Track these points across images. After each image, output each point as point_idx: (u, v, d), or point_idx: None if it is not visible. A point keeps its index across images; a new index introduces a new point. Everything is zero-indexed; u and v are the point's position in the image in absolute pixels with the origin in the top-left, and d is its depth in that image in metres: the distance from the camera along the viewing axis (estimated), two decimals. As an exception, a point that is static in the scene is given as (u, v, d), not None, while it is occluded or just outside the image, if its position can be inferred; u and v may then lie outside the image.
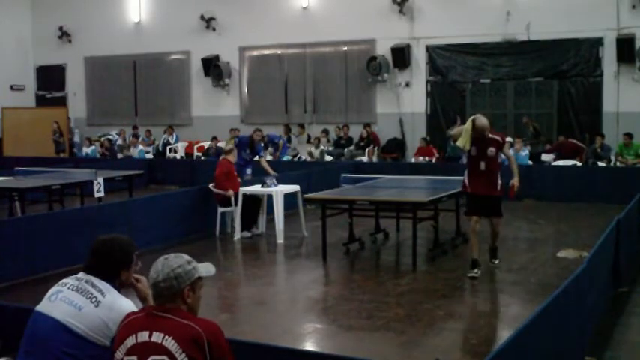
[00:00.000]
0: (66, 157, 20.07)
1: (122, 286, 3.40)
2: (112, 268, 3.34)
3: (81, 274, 3.36)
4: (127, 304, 3.29)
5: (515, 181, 8.02)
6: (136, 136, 20.29)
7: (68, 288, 3.30)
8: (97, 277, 3.32)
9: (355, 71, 18.73)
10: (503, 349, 3.50)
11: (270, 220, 10.50)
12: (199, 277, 3.07)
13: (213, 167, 11.57)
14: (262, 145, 13.20)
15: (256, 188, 10.60)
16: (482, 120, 7.75)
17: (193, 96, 21.00)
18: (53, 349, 3.16)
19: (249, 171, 12.99)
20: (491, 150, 7.83)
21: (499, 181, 7.94)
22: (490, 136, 7.83)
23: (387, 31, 17.91)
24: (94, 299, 3.23)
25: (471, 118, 7.80)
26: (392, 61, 18.02)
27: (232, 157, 11.04)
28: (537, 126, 16.69)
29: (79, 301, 3.23)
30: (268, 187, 10.42)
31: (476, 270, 7.85)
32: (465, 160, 15.74)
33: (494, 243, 8.35)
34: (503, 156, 8.39)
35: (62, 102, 23.20)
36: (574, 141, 15.98)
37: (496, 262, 8.38)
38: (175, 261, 3.03)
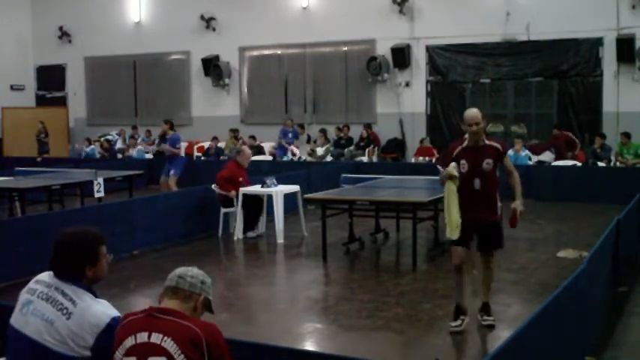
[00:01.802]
0: (66, 157, 20.07)
1: (93, 282, 3.26)
2: (75, 266, 3.19)
3: (49, 278, 3.23)
4: (102, 308, 3.17)
5: (517, 205, 6.07)
6: (133, 137, 20.28)
7: (38, 297, 3.18)
8: (65, 282, 3.18)
9: (355, 71, 18.72)
10: (504, 349, 3.50)
11: (271, 221, 10.49)
12: (210, 301, 3.14)
13: (213, 167, 11.55)
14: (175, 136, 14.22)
15: (256, 188, 10.59)
16: (471, 110, 6.08)
17: (193, 96, 21.00)
18: None
19: (172, 172, 13.47)
20: (488, 162, 5.95)
21: (499, 203, 6.11)
22: (486, 142, 6.03)
23: (387, 31, 17.91)
24: (64, 311, 3.10)
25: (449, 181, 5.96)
26: (392, 61, 18.02)
27: (241, 159, 10.92)
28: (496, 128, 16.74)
29: (50, 314, 3.11)
30: (268, 187, 10.41)
31: (459, 321, 6.04)
32: None
33: (487, 291, 6.27)
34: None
35: (62, 102, 23.22)
36: (568, 133, 16.02)
37: (490, 320, 6.18)
38: (205, 274, 3.17)
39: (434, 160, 16.58)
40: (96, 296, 3.24)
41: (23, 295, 3.26)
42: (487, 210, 6.03)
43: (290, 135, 18.52)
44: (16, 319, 3.21)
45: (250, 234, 10.53)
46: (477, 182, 5.96)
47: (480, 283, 6.34)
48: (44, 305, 3.15)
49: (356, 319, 6.56)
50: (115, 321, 3.12)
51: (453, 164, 5.94)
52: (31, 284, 3.28)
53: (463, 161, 5.97)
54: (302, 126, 19.08)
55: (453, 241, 6.05)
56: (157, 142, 16.92)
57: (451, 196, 5.88)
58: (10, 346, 3.24)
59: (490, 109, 17.61)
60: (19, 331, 3.17)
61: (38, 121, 20.59)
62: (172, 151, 13.67)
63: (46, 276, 3.28)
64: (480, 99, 17.71)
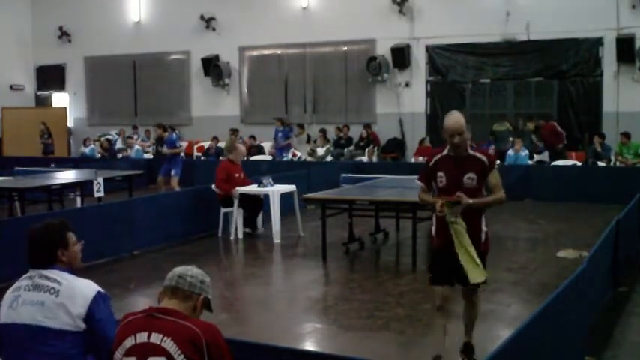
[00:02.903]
0: (66, 157, 20.08)
1: (72, 266, 3.40)
2: (48, 252, 3.35)
3: (31, 272, 3.37)
4: (86, 283, 3.32)
5: (470, 201, 4.81)
6: (130, 137, 20.28)
7: (24, 290, 3.31)
8: (44, 268, 3.33)
9: (355, 71, 18.73)
10: (504, 349, 3.50)
11: (268, 221, 10.49)
12: (209, 300, 3.16)
13: (213, 167, 11.56)
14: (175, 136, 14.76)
15: (253, 188, 10.58)
16: (453, 116, 4.97)
17: (193, 96, 21.01)
18: (36, 353, 3.17)
19: (173, 172, 13.53)
20: (470, 177, 4.89)
21: (484, 228, 5.01)
22: (470, 152, 4.96)
23: (387, 31, 17.92)
24: (52, 290, 3.25)
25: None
26: (392, 61, 18.03)
27: (234, 156, 10.95)
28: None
29: (39, 298, 3.24)
30: (265, 187, 10.41)
31: None
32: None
33: (471, 328, 5.25)
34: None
35: (62, 102, 23.23)
36: (554, 123, 16.04)
37: None
38: (204, 273, 3.19)
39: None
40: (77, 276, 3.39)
41: (9, 295, 3.36)
42: (469, 237, 4.87)
43: (280, 135, 18.50)
44: (8, 316, 3.29)
45: (257, 230, 10.68)
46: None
47: (462, 319, 5.34)
48: (32, 294, 3.28)
49: (356, 319, 6.56)
50: (100, 294, 3.28)
51: (462, 196, 4.79)
52: (15, 284, 3.40)
53: (441, 174, 4.95)
54: (302, 126, 19.08)
55: (431, 279, 5.10)
56: (153, 147, 17.01)
57: (463, 237, 4.85)
58: (5, 343, 3.29)
59: (490, 109, 17.65)
60: (13, 323, 3.25)
61: (40, 122, 20.61)
62: (174, 152, 13.74)
63: (26, 274, 3.41)
64: (479, 99, 17.75)
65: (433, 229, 5.14)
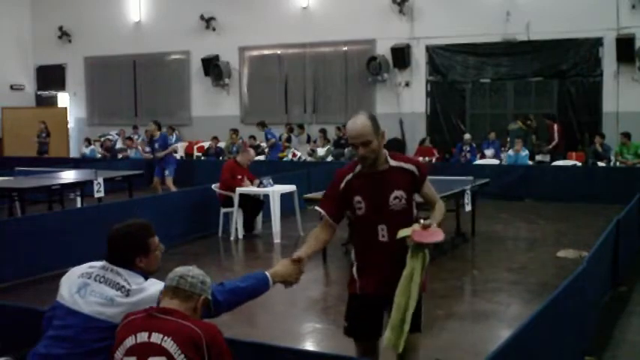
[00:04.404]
0: (66, 157, 20.08)
1: (148, 272, 3.34)
2: (126, 257, 3.29)
3: (104, 263, 3.31)
4: (154, 281, 3.27)
5: (430, 222, 3.76)
6: (130, 138, 20.29)
7: (95, 280, 3.24)
8: (118, 266, 3.27)
9: (355, 71, 18.74)
10: (504, 349, 3.50)
11: (268, 221, 10.49)
12: (210, 301, 3.17)
13: (213, 167, 11.56)
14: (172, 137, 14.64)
15: (253, 188, 10.58)
16: (354, 121, 3.69)
17: (193, 96, 21.02)
18: (84, 344, 3.12)
19: (167, 172, 13.54)
20: (398, 195, 3.76)
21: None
22: (392, 163, 3.80)
23: (387, 31, 17.92)
24: (123, 289, 3.19)
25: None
26: (392, 61, 18.03)
27: (241, 158, 10.93)
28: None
29: (109, 293, 3.18)
30: (264, 187, 10.42)
31: None
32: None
33: None
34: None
35: (62, 102, 23.24)
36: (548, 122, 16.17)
37: None
38: (205, 274, 3.17)
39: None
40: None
41: (76, 279, 3.28)
42: (400, 275, 3.71)
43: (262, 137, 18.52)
44: (75, 302, 3.21)
45: (255, 231, 10.68)
46: (381, 231, 3.77)
47: None
48: (101, 287, 3.22)
49: (356, 319, 6.55)
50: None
51: (432, 222, 3.74)
52: (86, 269, 3.33)
53: (358, 198, 3.79)
54: (302, 126, 19.10)
55: (348, 329, 3.96)
56: (147, 148, 17.01)
57: (413, 288, 3.72)
58: (56, 325, 3.21)
59: (490, 109, 17.66)
60: (78, 311, 3.18)
61: (39, 121, 20.61)
62: (168, 151, 13.76)
63: (99, 263, 3.35)
64: (479, 99, 17.75)
65: (354, 269, 3.94)
